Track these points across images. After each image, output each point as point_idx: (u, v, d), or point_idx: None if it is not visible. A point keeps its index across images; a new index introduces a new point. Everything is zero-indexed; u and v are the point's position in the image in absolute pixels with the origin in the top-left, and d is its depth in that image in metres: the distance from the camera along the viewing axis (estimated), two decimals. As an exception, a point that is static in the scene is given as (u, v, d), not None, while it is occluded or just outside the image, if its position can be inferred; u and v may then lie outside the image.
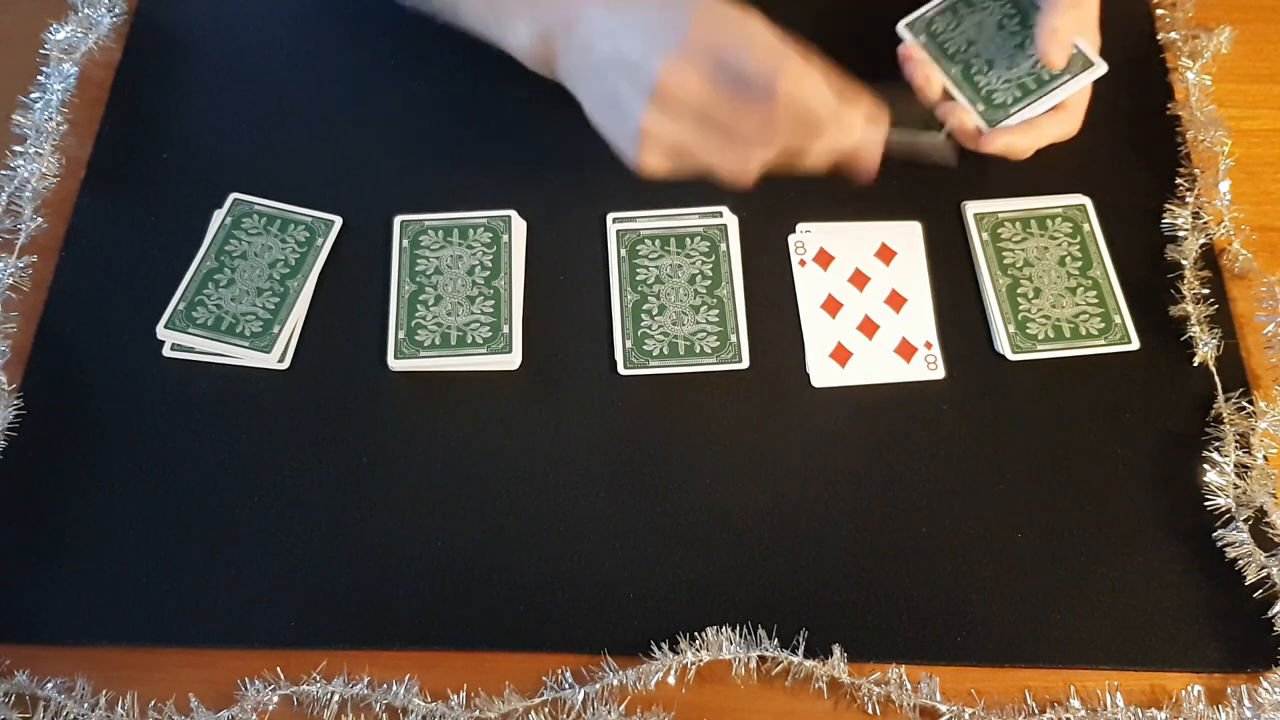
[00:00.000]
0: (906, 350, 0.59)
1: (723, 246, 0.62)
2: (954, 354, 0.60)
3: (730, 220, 0.63)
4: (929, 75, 0.61)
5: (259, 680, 0.52)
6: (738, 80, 0.51)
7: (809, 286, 0.62)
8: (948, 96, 0.62)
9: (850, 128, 0.54)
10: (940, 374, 0.59)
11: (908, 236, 0.63)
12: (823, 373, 0.59)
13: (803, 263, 0.62)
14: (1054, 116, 0.61)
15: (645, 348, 0.60)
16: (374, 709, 0.51)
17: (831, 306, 0.61)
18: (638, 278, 0.62)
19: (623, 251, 0.62)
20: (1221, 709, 0.51)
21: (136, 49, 0.71)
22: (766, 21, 0.52)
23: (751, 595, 0.54)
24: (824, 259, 0.62)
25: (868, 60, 0.66)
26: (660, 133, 0.53)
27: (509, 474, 0.57)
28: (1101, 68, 0.59)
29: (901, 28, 0.63)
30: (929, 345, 0.60)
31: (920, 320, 0.61)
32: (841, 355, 0.60)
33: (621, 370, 0.59)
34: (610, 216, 0.63)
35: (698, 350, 0.59)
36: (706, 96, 0.51)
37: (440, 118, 0.68)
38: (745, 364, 0.59)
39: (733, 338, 0.59)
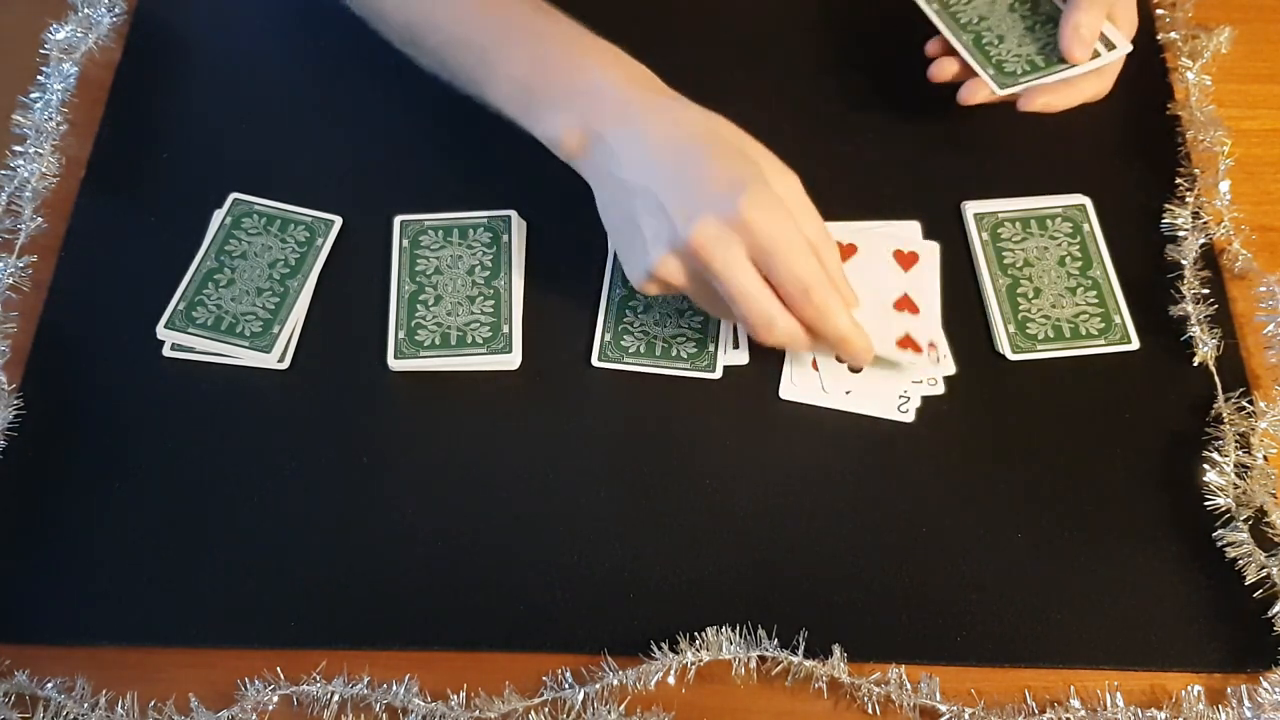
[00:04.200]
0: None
1: None
2: (954, 354, 0.60)
3: None
4: (954, 70, 0.63)
5: (259, 680, 0.52)
6: (770, 273, 0.51)
7: None
8: (965, 68, 0.62)
9: (858, 349, 0.54)
10: (940, 390, 0.59)
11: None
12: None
13: None
14: (1089, 78, 0.61)
15: (622, 343, 0.60)
16: (374, 709, 0.51)
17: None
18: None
19: None
20: (1221, 709, 0.51)
21: (136, 49, 0.71)
22: (805, 195, 0.53)
23: (751, 595, 0.54)
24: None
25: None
26: (670, 279, 0.53)
27: (509, 474, 0.57)
28: (1120, 51, 0.60)
29: None
30: (933, 346, 0.59)
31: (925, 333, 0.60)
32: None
33: (595, 362, 0.59)
34: None
35: (673, 354, 0.59)
36: (728, 272, 0.51)
37: (440, 118, 0.68)
38: (718, 374, 0.59)
39: (710, 346, 0.59)
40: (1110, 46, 0.61)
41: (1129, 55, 0.61)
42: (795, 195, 0.52)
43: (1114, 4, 0.61)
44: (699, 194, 0.51)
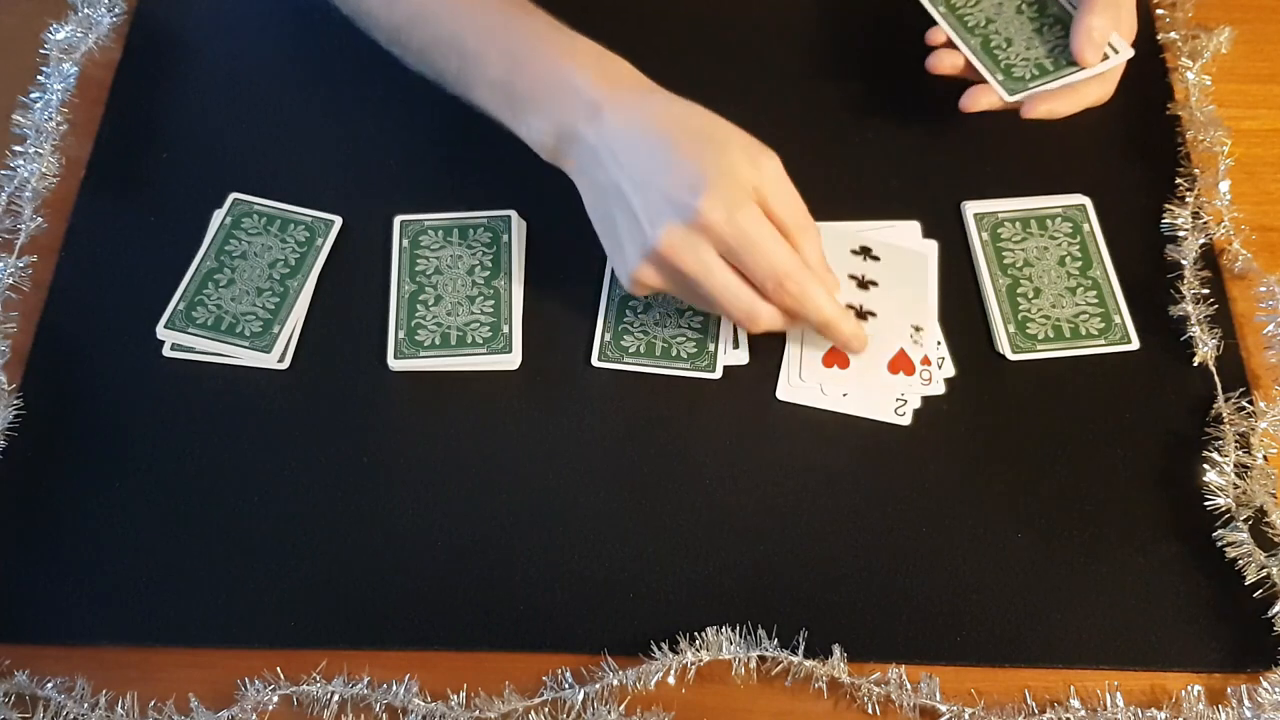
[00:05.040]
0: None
1: None
2: (954, 354, 0.60)
3: None
4: (954, 63, 0.62)
5: (259, 680, 0.52)
6: (740, 267, 0.52)
7: None
8: (969, 68, 0.62)
9: (846, 334, 0.55)
10: (940, 390, 0.59)
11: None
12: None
13: None
14: (1092, 83, 0.61)
15: (622, 343, 0.60)
16: (374, 709, 0.51)
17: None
18: None
19: None
20: (1221, 709, 0.51)
21: (136, 49, 0.71)
22: (783, 176, 0.53)
23: (751, 595, 0.54)
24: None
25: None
26: (651, 283, 0.54)
27: (509, 474, 0.57)
28: (1123, 55, 0.60)
29: None
30: (926, 362, 0.59)
31: (924, 336, 0.60)
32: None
33: (595, 362, 0.59)
34: None
35: (673, 354, 0.59)
36: (700, 274, 0.52)
37: (440, 118, 0.68)
38: (718, 374, 0.59)
39: (710, 346, 0.59)
40: (1114, 50, 0.60)
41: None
42: (769, 178, 0.52)
43: (1120, 9, 0.61)
44: (662, 196, 0.51)
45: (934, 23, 0.64)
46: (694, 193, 0.50)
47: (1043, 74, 0.61)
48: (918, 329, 0.58)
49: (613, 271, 0.62)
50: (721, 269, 0.52)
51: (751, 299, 0.52)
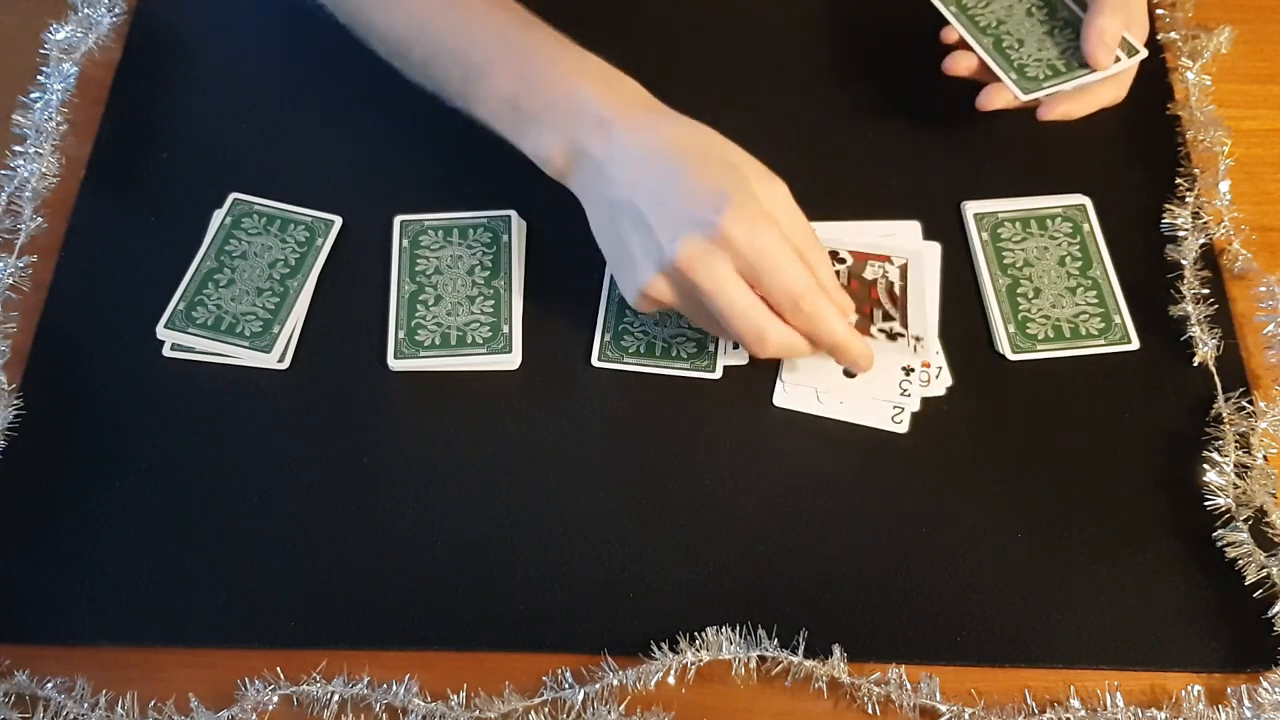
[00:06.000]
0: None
1: None
2: (954, 354, 0.60)
3: None
4: (969, 65, 0.63)
5: (259, 680, 0.52)
6: (758, 286, 0.51)
7: None
8: (983, 69, 0.62)
9: (855, 355, 0.54)
10: (940, 390, 0.59)
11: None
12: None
13: None
14: (1107, 84, 0.61)
15: (622, 343, 0.60)
16: (374, 709, 0.51)
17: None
18: None
19: None
20: (1221, 709, 0.51)
21: (136, 49, 0.71)
22: (793, 202, 0.52)
23: (751, 595, 0.54)
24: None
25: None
26: (661, 298, 0.53)
27: (509, 474, 0.57)
28: (1137, 56, 0.60)
29: None
30: (926, 365, 0.59)
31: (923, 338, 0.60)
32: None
33: (595, 362, 0.59)
34: None
35: (673, 354, 0.59)
36: (716, 289, 0.51)
37: (440, 117, 0.67)
38: (718, 374, 0.59)
39: (710, 346, 0.59)
40: (1130, 51, 0.60)
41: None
42: (782, 203, 0.52)
43: (1129, 9, 0.61)
44: (682, 211, 0.51)
45: (944, 23, 0.64)
46: (716, 210, 0.50)
47: (1055, 75, 0.61)
48: (918, 339, 0.58)
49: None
50: (737, 284, 0.51)
51: (763, 318, 0.52)
